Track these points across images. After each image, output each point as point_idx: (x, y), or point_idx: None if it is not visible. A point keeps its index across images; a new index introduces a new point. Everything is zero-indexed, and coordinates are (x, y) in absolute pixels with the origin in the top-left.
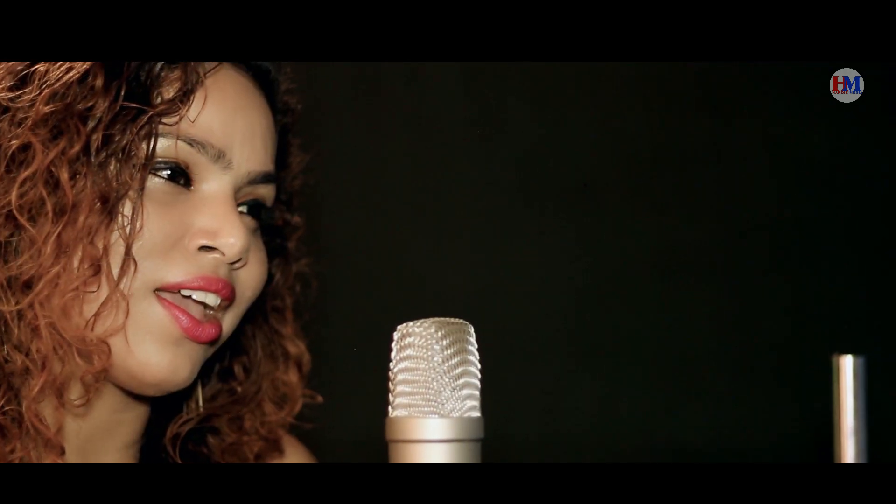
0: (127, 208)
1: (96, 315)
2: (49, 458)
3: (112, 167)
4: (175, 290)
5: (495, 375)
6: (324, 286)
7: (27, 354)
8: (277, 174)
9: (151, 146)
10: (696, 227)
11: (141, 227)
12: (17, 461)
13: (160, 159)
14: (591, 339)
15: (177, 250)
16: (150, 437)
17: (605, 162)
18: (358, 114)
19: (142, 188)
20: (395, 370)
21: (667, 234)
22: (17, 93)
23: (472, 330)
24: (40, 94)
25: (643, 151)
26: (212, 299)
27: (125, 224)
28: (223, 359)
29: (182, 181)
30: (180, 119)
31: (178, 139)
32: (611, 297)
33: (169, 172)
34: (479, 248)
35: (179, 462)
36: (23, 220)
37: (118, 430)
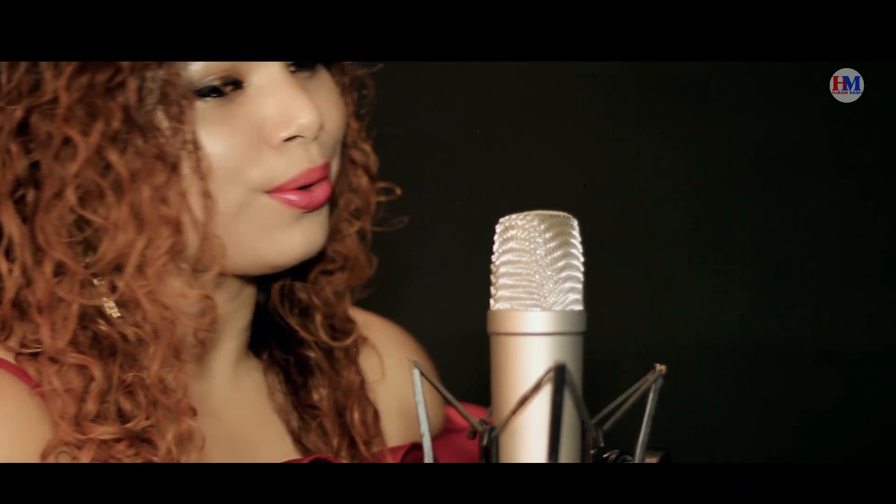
0: (191, 152)
1: (197, 262)
2: (182, 422)
3: (157, 122)
4: (284, 189)
5: (599, 270)
6: (428, 179)
7: (138, 326)
8: None
9: (185, 80)
10: (800, 126)
11: (208, 165)
12: (147, 434)
13: (201, 84)
14: (695, 236)
15: (264, 152)
16: (258, 313)
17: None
18: None
19: (190, 122)
20: (498, 263)
21: (772, 131)
22: (36, 94)
23: (575, 223)
24: (58, 85)
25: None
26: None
27: (195, 168)
28: None
29: (231, 88)
30: None
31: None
32: (715, 194)
33: (217, 86)
34: (584, 142)
35: (287, 313)
36: (89, 215)
37: (234, 317)
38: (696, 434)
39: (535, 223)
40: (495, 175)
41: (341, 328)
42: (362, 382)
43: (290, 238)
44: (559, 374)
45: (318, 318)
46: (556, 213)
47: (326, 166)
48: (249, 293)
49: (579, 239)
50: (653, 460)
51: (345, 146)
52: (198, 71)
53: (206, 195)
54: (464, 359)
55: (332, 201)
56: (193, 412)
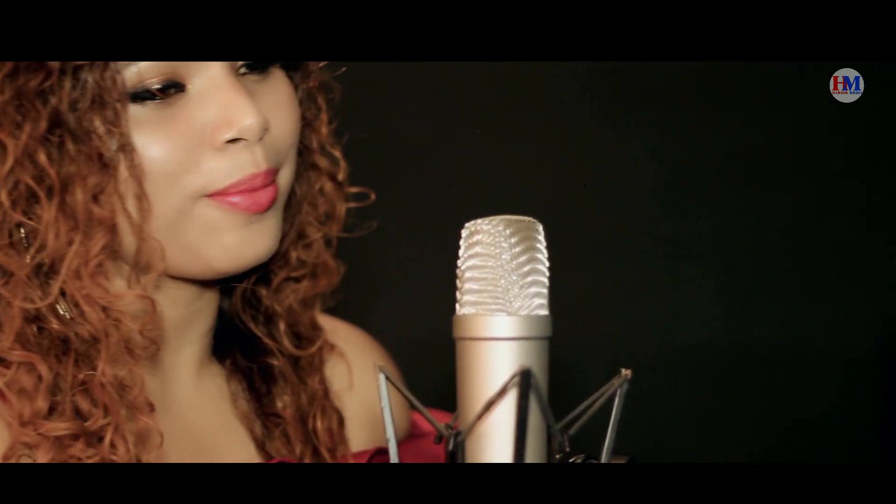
0: (126, 153)
1: (135, 264)
2: (139, 420)
3: (89, 124)
4: (225, 193)
5: (566, 275)
6: (393, 184)
7: (85, 325)
8: None
9: (121, 83)
10: (767, 130)
11: (142, 167)
12: (105, 433)
13: (141, 87)
14: (658, 241)
15: (205, 155)
16: (221, 320)
17: (673, 63)
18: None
19: (125, 125)
20: (463, 267)
21: (737, 136)
22: None
23: (540, 228)
24: None
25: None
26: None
27: (129, 169)
28: None
29: (174, 90)
30: None
31: (141, 61)
32: (680, 198)
33: (156, 89)
34: (552, 145)
35: (247, 319)
36: (20, 217)
37: (194, 322)
38: (663, 438)
39: (501, 228)
40: (461, 179)
41: (307, 335)
42: (326, 391)
43: (236, 244)
44: (525, 379)
45: (282, 325)
46: (521, 217)
47: (272, 171)
48: (210, 298)
49: (545, 244)
50: None
51: (309, 151)
52: (135, 74)
53: (141, 198)
54: (430, 364)
55: (291, 207)
56: (151, 408)
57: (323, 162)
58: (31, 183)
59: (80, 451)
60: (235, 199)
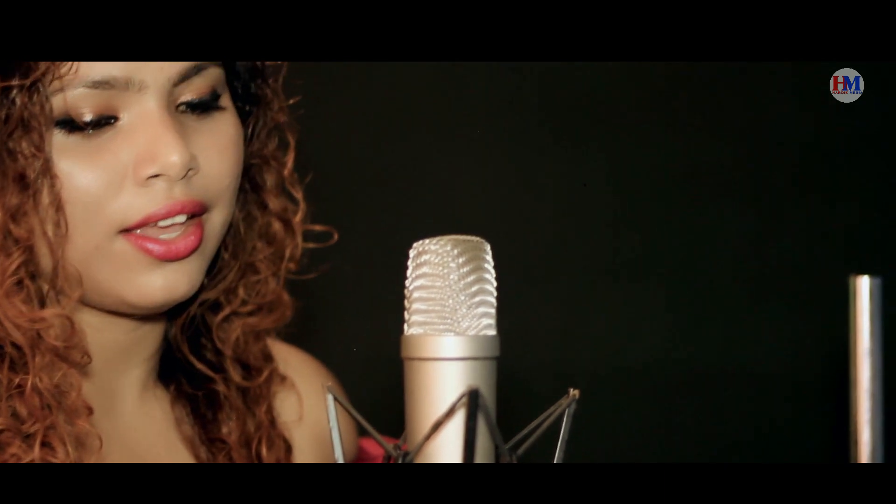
0: (48, 178)
1: (51, 287)
2: (77, 424)
3: (14, 145)
4: (141, 226)
5: (512, 295)
6: (340, 202)
7: (12, 338)
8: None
9: (48, 110)
10: (716, 148)
11: (60, 193)
12: (46, 438)
13: (72, 115)
14: (607, 260)
15: (126, 189)
16: (168, 345)
17: (625, 82)
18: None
19: (49, 156)
20: (411, 288)
21: (687, 155)
22: None
23: (488, 248)
24: None
25: (664, 70)
26: (180, 219)
27: (49, 194)
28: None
29: (106, 122)
30: (68, 70)
31: (73, 89)
32: (629, 217)
33: (92, 120)
34: (498, 166)
35: (188, 353)
36: None
37: (137, 347)
38: (613, 458)
39: (448, 248)
40: (409, 199)
41: (256, 366)
42: (273, 420)
43: (149, 283)
44: (473, 399)
45: (230, 357)
46: (469, 237)
47: (194, 204)
48: (154, 324)
49: (492, 263)
50: None
51: (262, 189)
52: (65, 102)
53: (59, 224)
54: (378, 384)
55: (238, 243)
56: (89, 411)
57: (275, 203)
58: None
59: (21, 449)
60: (151, 245)
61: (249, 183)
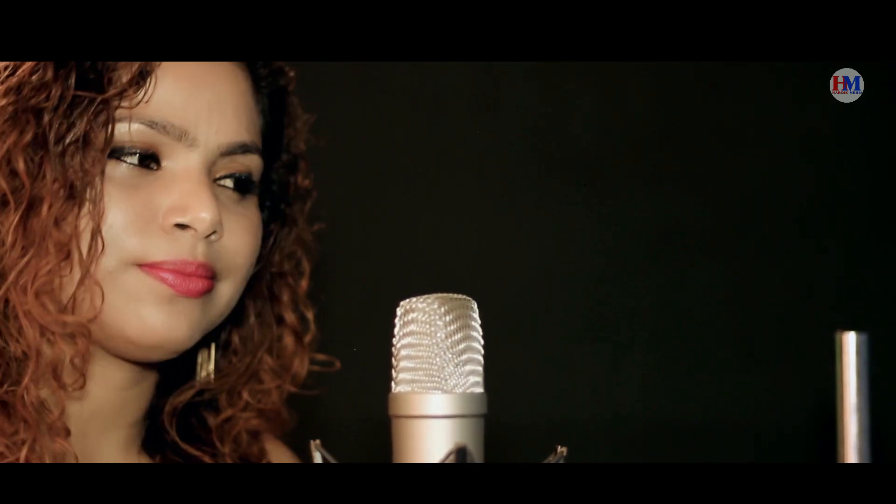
0: (93, 194)
1: (73, 298)
2: (56, 442)
3: (70, 156)
4: (154, 268)
5: (498, 352)
6: (327, 260)
7: (19, 341)
8: (265, 142)
9: (109, 133)
10: (699, 205)
11: (103, 212)
12: (25, 446)
13: (122, 145)
14: (593, 316)
15: (152, 230)
16: (154, 417)
17: (608, 140)
18: (362, 88)
19: (103, 173)
20: (399, 346)
21: (670, 211)
22: None
23: (475, 306)
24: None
25: (647, 130)
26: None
27: (91, 210)
28: (224, 331)
29: (152, 164)
30: (138, 102)
31: (132, 122)
32: (613, 273)
33: (137, 157)
34: (482, 224)
35: (176, 438)
36: None
37: (123, 409)
38: None
39: (436, 306)
40: (394, 257)
41: (255, 455)
42: None
43: (151, 316)
44: (460, 456)
45: (228, 449)
46: (456, 296)
47: (207, 267)
48: (143, 389)
49: (479, 321)
50: None
51: (279, 302)
52: (123, 133)
53: (95, 237)
54: (366, 443)
55: (249, 348)
56: (67, 432)
57: (290, 317)
58: (5, 186)
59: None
60: (167, 275)
61: (268, 291)
